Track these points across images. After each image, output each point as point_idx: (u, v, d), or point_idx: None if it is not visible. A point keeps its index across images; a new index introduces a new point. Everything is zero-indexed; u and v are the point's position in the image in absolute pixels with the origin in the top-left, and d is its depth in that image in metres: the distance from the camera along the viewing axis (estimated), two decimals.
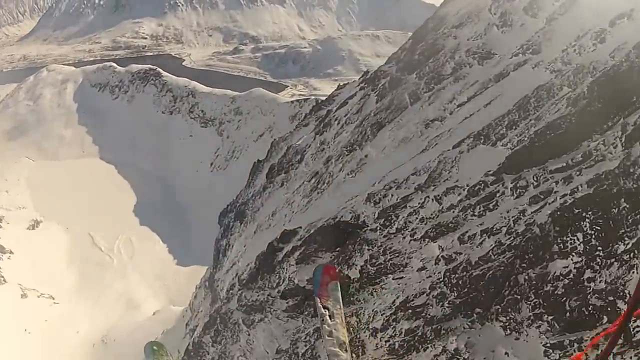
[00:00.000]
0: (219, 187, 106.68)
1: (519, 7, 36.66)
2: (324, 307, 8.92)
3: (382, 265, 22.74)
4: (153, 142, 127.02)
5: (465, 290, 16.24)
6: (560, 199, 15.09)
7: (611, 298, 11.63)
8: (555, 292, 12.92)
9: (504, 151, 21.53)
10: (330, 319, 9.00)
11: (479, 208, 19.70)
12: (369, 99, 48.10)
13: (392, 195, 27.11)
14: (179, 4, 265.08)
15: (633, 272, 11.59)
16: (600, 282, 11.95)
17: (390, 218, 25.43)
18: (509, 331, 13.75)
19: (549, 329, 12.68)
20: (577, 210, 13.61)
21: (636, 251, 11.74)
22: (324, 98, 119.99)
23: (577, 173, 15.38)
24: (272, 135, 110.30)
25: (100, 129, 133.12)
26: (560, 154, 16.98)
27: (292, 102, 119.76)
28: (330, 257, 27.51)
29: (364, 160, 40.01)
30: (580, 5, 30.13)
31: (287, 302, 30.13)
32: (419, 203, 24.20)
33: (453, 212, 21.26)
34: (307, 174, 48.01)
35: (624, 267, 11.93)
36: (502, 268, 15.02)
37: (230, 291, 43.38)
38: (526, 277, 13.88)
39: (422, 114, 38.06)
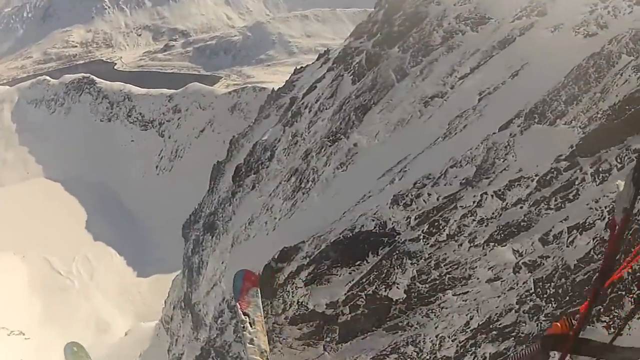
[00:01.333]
0: (166, 189, 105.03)
1: None
2: (244, 314, 8.37)
3: (437, 281, 19.34)
4: (95, 152, 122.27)
5: (567, 299, 14.15)
6: None
7: None
8: None
9: (570, 131, 18.54)
10: (251, 326, 8.60)
11: (555, 200, 16.78)
12: (342, 80, 43.58)
13: (429, 195, 22.49)
14: (105, 7, 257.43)
15: None
16: None
17: (436, 223, 21.04)
18: (612, 329, 12.07)
19: None
20: None
21: None
22: (261, 85, 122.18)
23: None
24: (213, 129, 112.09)
25: (42, 147, 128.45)
26: (638, 131, 15.25)
27: (229, 92, 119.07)
28: (352, 275, 23.17)
29: (353, 149, 35.83)
30: None
31: (299, 329, 25.80)
32: (473, 202, 20.11)
33: (522, 207, 18.06)
34: (282, 172, 43.49)
35: None
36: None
37: (220, 319, 38.87)
38: (629, 271, 11.74)
39: (416, 91, 34.39)
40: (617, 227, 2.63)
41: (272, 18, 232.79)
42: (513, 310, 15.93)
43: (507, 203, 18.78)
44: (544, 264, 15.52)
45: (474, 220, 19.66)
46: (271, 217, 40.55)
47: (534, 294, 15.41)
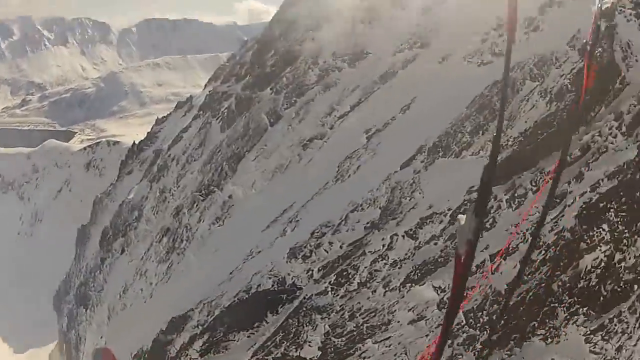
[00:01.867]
0: (30, 256, 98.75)
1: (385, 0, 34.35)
2: None
3: (355, 332, 17.48)
4: None
5: (503, 322, 13.84)
6: (579, 197, 14.16)
7: None
8: (590, 285, 12.40)
9: (478, 161, 18.73)
10: None
11: None
12: (211, 127, 40.90)
13: (331, 244, 20.92)
14: None
15: None
16: (630, 258, 11.62)
17: (344, 273, 19.50)
18: (549, 340, 12.66)
19: (586, 318, 12.19)
20: (602, 205, 13.06)
21: None
22: (114, 139, 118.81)
23: (586, 169, 14.58)
24: (70, 188, 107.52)
25: None
26: (551, 153, 15.94)
27: (84, 148, 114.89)
28: (253, 338, 20.81)
29: (228, 202, 33.34)
30: None
31: None
32: (383, 245, 18.98)
33: (436, 244, 17.57)
34: (153, 233, 40.05)
35: None
36: (543, 284, 13.48)
37: None
38: (559, 284, 13.10)
39: (293, 134, 32.78)
40: (461, 259, 2.22)
41: (125, 68, 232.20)
42: (447, 346, 13.46)
43: (420, 242, 17.89)
44: (469, 294, 14.01)
45: (386, 264, 18.44)
46: (146, 283, 37.12)
47: (466, 326, 14.63)
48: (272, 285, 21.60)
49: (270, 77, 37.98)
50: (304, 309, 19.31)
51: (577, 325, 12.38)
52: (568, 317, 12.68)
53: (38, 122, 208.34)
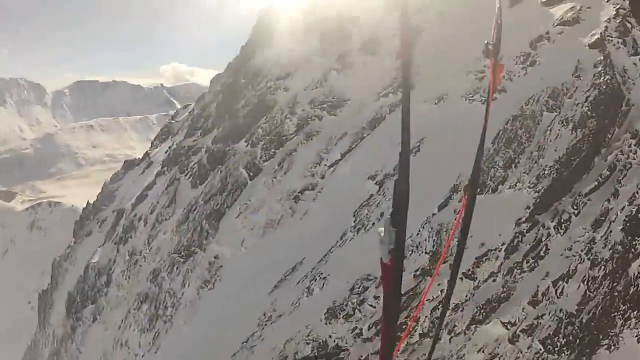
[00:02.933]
0: None
1: (354, 48, 32.54)
2: None
3: None
4: None
5: (578, 341, 13.89)
6: (621, 212, 14.66)
7: None
8: (639, 290, 12.93)
9: (517, 193, 17.74)
10: None
11: (527, 262, 16.18)
12: (180, 184, 36.75)
13: (377, 298, 18.10)
14: None
15: None
16: None
17: (403, 327, 15.70)
18: (612, 347, 13.11)
19: (637, 320, 12.73)
20: None
21: None
22: (54, 200, 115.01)
23: (619, 185, 15.08)
24: (16, 249, 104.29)
25: None
26: (581, 177, 16.43)
27: (26, 209, 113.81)
28: None
29: (215, 263, 28.97)
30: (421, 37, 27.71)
31: None
32: (440, 291, 16.80)
33: (495, 280, 16.55)
34: (127, 299, 35.17)
35: None
36: (608, 298, 13.77)
37: None
38: (616, 294, 13.38)
39: (279, 186, 28.95)
40: (387, 267, 2.15)
41: (60, 129, 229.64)
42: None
43: (479, 281, 16.53)
44: (541, 323, 14.77)
45: (437, 307, 16.89)
46: (130, 354, 32.23)
47: (545, 352, 14.41)
48: (312, 351, 18.31)
49: (243, 128, 34.18)
50: None
51: (631, 329, 13.29)
52: (623, 322, 13.53)
53: None
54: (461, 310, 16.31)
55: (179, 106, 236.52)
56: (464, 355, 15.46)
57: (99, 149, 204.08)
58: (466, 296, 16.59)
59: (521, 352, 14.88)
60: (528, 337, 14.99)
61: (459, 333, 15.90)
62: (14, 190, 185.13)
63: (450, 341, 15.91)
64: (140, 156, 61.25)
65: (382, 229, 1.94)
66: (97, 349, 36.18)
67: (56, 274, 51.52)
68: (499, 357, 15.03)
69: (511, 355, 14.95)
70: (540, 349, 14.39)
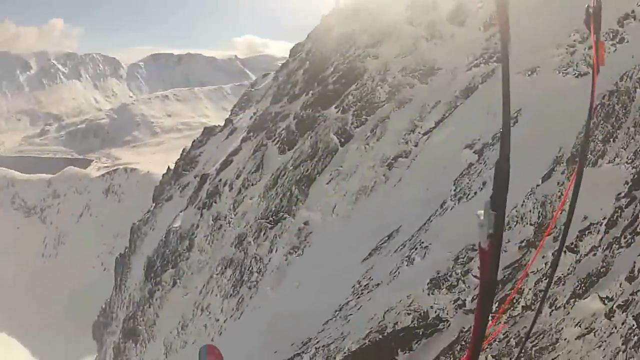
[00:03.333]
0: (55, 276, 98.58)
1: (442, 17, 31.31)
2: None
3: (522, 358, 13.98)
4: None
5: None
6: None
7: None
8: None
9: (616, 168, 15.89)
10: None
11: (625, 238, 13.83)
12: (267, 150, 35.85)
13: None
14: None
15: None
16: None
17: (506, 299, 15.66)
18: None
19: None
20: None
21: None
22: (130, 166, 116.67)
23: None
24: (90, 213, 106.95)
25: None
26: None
27: (102, 175, 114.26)
28: None
29: (305, 229, 28.31)
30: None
31: None
32: (545, 263, 15.26)
33: (595, 255, 14.64)
34: (210, 264, 34.92)
35: None
36: None
37: None
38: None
39: (372, 153, 28.11)
40: (485, 252, 2.22)
41: (136, 100, 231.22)
42: (620, 352, 11.68)
43: (580, 254, 14.73)
44: (635, 299, 12.27)
45: (551, 282, 14.67)
46: (210, 319, 31.86)
47: (637, 329, 11.57)
48: (412, 322, 17.25)
49: (332, 95, 33.37)
50: (462, 343, 15.71)
51: None
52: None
53: (56, 151, 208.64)
54: (562, 284, 14.86)
55: (252, 77, 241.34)
56: (562, 329, 13.77)
57: (174, 118, 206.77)
58: (568, 269, 15.15)
59: (615, 328, 13.19)
60: (623, 312, 12.97)
61: (559, 307, 14.41)
62: (89, 158, 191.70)
63: (550, 314, 14.37)
64: (216, 124, 61.68)
65: (482, 211, 1.95)
66: (175, 313, 36.05)
67: (134, 238, 51.44)
68: (595, 332, 13.16)
69: (606, 331, 12.96)
70: (634, 325, 12.14)
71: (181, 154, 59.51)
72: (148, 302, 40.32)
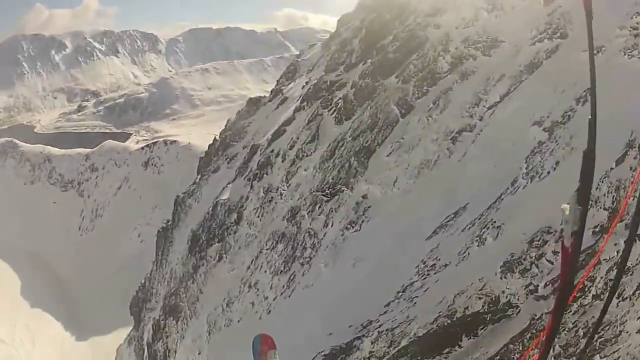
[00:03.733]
0: (91, 250, 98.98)
1: None
2: None
3: (587, 350, 13.29)
4: (22, 217, 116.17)
5: None
6: None
7: None
8: None
9: None
10: None
11: None
12: (323, 119, 34.74)
13: (556, 253, 15.66)
14: (25, 72, 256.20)
15: None
16: None
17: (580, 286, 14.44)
18: None
19: None
20: None
21: None
22: (170, 139, 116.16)
23: None
24: (129, 186, 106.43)
25: None
26: None
27: (141, 148, 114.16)
28: None
29: (363, 203, 26.94)
30: None
31: None
32: (616, 251, 14.28)
33: None
34: (259, 238, 33.99)
35: None
36: None
37: None
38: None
39: (435, 126, 26.78)
40: (568, 251, 2.33)
41: (175, 74, 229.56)
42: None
43: None
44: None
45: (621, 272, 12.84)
46: (258, 296, 30.75)
47: None
48: (482, 307, 16.32)
49: (393, 64, 32.07)
50: (533, 330, 14.83)
51: None
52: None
53: (94, 125, 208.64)
54: (631, 275, 14.16)
55: (293, 49, 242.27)
56: (625, 321, 13.26)
57: (214, 91, 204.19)
58: (637, 259, 14.32)
59: None
60: None
61: (626, 298, 13.85)
62: (128, 132, 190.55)
63: (617, 305, 13.81)
64: (258, 95, 60.98)
65: (566, 205, 1.98)
66: (220, 289, 34.90)
67: (178, 211, 49.99)
68: None
69: None
70: None
71: (226, 125, 58.66)
72: (192, 277, 39.23)
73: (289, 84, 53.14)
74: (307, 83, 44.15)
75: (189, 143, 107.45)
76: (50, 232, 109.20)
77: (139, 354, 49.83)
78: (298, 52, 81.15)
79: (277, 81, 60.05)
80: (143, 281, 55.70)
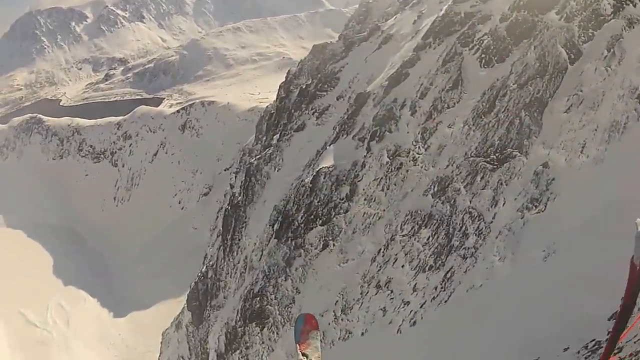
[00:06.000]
0: (128, 221, 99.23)
1: None
2: (304, 355, 7.25)
3: None
4: (52, 193, 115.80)
5: None
6: None
7: None
8: None
9: None
10: None
11: None
12: (464, 60, 29.01)
13: None
14: (45, 46, 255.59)
15: None
16: None
17: None
18: None
19: None
20: None
21: None
22: (208, 99, 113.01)
23: None
24: (166, 151, 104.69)
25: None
26: None
27: (177, 111, 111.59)
28: None
29: (543, 175, 20.86)
30: None
31: None
32: None
33: None
34: (387, 220, 27.89)
35: None
36: None
37: None
38: None
39: (616, 79, 20.74)
40: (637, 269, 2.32)
41: (206, 34, 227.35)
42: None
43: None
44: None
45: None
46: (393, 301, 24.98)
47: None
48: None
49: None
50: None
51: None
52: None
53: (124, 93, 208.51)
54: None
55: (326, 4, 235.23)
56: None
57: (248, 49, 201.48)
58: None
59: None
60: None
61: None
62: (160, 97, 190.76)
63: None
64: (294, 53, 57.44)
65: None
66: (328, 289, 29.07)
67: (252, 182, 43.06)
68: None
69: None
70: None
71: (286, 77, 54.54)
72: (283, 272, 32.97)
73: (391, 19, 46.98)
74: (419, 17, 38.30)
75: (228, 103, 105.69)
76: (83, 206, 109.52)
77: (196, 352, 45.04)
78: (332, 8, 76.85)
79: (345, 25, 57.40)
80: (204, 270, 49.87)
